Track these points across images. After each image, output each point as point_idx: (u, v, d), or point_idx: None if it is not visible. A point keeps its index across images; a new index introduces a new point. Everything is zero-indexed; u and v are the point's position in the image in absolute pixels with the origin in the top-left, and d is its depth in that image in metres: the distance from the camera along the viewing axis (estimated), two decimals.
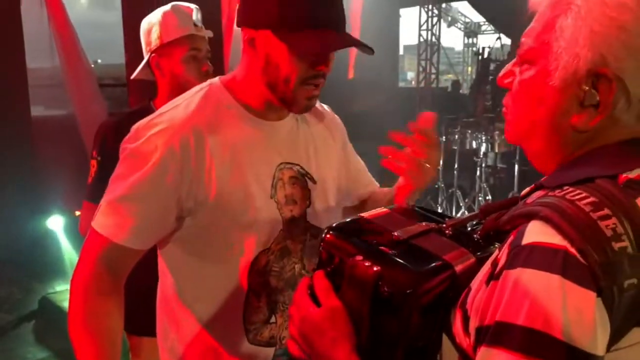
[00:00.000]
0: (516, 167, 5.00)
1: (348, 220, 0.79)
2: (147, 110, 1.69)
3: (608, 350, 0.52)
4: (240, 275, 1.08)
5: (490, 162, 5.70)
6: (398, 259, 0.67)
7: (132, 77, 1.76)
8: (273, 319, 1.13)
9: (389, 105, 8.40)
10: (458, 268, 0.67)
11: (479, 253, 0.70)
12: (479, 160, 5.05)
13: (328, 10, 1.00)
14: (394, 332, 0.66)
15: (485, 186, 5.16)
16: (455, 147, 5.23)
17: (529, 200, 0.64)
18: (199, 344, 1.11)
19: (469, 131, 5.13)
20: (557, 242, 0.53)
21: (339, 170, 1.26)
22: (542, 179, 0.67)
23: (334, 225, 0.77)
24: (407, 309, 0.65)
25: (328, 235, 0.76)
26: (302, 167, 1.15)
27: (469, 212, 5.16)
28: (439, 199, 5.39)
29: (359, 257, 0.69)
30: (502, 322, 0.53)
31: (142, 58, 1.70)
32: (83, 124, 4.21)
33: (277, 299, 1.12)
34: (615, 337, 0.53)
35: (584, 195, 0.56)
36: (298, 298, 0.76)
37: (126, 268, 1.07)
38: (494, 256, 0.61)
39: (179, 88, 1.61)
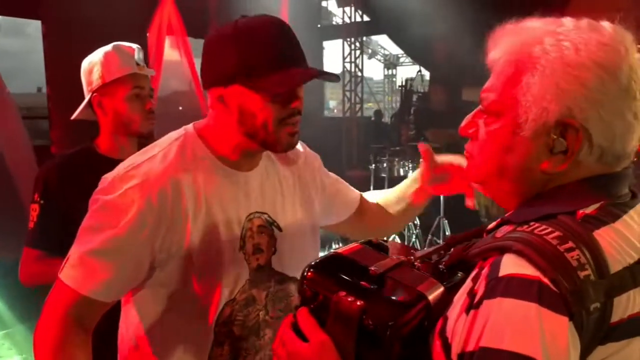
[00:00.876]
0: None
1: (325, 257, 0.82)
2: (90, 151, 1.67)
3: None
4: (206, 327, 1.09)
5: None
6: (379, 293, 0.72)
7: (73, 117, 1.71)
8: None
9: (316, 135, 8.55)
10: (431, 298, 0.72)
11: (445, 283, 0.75)
12: None
13: (287, 49, 1.04)
14: None
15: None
16: (384, 175, 5.43)
17: (498, 234, 0.70)
18: None
19: (397, 159, 5.37)
20: (531, 273, 0.59)
21: (313, 204, 1.28)
22: (507, 214, 0.73)
23: (313, 263, 0.80)
24: (390, 339, 0.68)
25: (309, 273, 0.78)
26: (269, 216, 1.17)
27: (400, 238, 5.35)
28: None
29: (342, 293, 0.72)
30: (487, 347, 0.58)
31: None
32: (8, 159, 3.97)
33: (240, 345, 1.14)
34: (584, 355, 0.59)
35: (549, 230, 0.62)
36: (283, 335, 0.78)
37: (94, 319, 1.05)
38: (469, 287, 0.66)
39: (123, 126, 1.63)
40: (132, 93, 1.62)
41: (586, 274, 0.59)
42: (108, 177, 1.05)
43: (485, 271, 0.63)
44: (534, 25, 0.70)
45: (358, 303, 0.70)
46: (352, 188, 1.44)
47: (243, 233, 1.12)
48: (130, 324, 1.13)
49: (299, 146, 1.28)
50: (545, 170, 0.68)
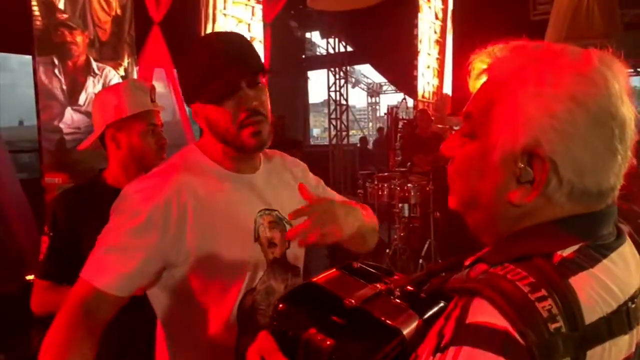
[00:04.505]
0: (431, 216, 5.34)
1: (299, 287, 0.80)
2: (97, 183, 1.71)
3: None
4: (230, 317, 1.15)
5: (405, 213, 6.04)
6: (351, 330, 0.69)
7: (80, 147, 1.76)
8: None
9: (303, 162, 8.63)
10: (406, 332, 0.70)
11: (425, 316, 0.74)
12: (396, 211, 5.35)
13: (221, 59, 1.12)
14: None
15: (402, 234, 5.45)
16: (373, 202, 5.49)
17: (472, 272, 0.67)
18: None
19: (385, 184, 5.43)
20: (499, 323, 0.55)
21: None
22: (483, 252, 0.70)
23: (285, 295, 0.79)
24: None
25: (280, 306, 0.76)
26: (279, 212, 1.23)
27: (391, 261, 5.39)
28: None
29: (313, 330, 0.69)
30: None
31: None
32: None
33: None
34: None
35: (522, 275, 0.59)
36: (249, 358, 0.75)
37: (109, 313, 1.08)
38: (439, 325, 0.64)
39: (136, 161, 1.67)
40: (148, 129, 1.67)
41: (557, 326, 0.56)
42: (124, 188, 1.14)
43: (455, 312, 0.61)
44: (513, 50, 0.68)
45: (328, 342, 0.67)
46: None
47: (256, 226, 1.18)
48: (161, 317, 1.19)
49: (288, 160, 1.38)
50: (512, 201, 0.65)
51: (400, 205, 5.41)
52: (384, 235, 5.70)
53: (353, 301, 0.72)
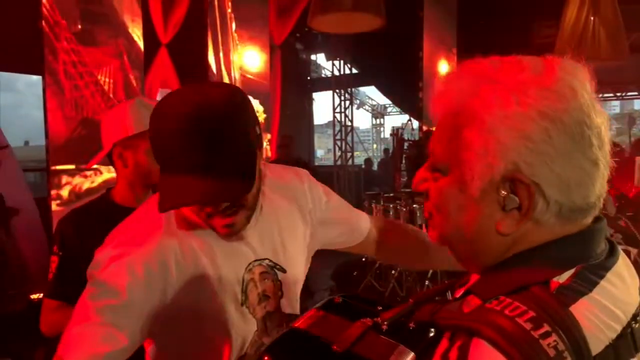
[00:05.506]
0: None
1: (283, 336, 0.76)
2: (106, 201, 1.71)
3: None
4: None
5: None
6: None
7: (88, 165, 1.76)
8: None
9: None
10: None
11: (417, 348, 0.69)
12: None
13: (175, 154, 0.91)
14: None
15: None
16: None
17: (465, 307, 0.62)
18: None
19: (391, 205, 5.42)
20: None
21: (310, 231, 1.23)
22: (472, 282, 0.66)
23: (269, 346, 0.75)
24: None
25: (266, 359, 0.71)
26: (270, 260, 1.13)
27: (397, 282, 5.33)
28: (372, 273, 5.54)
29: None
30: None
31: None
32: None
33: None
34: None
35: (522, 309, 0.55)
36: None
37: None
38: None
39: (142, 178, 1.67)
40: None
41: None
42: (99, 253, 1.05)
43: (452, 355, 0.57)
44: (472, 71, 0.63)
45: None
46: (361, 214, 1.39)
47: (244, 287, 1.08)
48: None
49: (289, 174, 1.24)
50: (500, 230, 0.61)
51: None
52: None
53: (341, 345, 0.68)
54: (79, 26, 4.74)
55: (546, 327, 0.53)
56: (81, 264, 1.54)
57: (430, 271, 5.21)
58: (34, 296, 3.88)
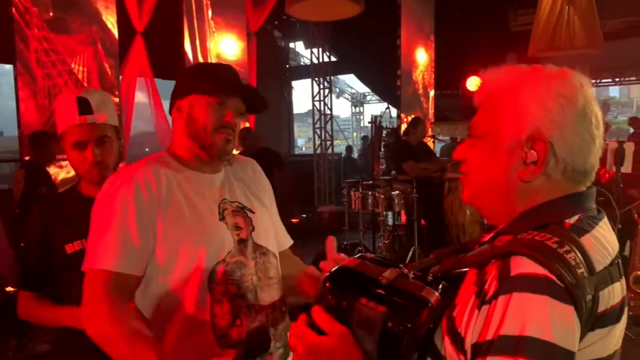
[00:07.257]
0: (415, 224, 5.37)
1: (337, 270, 0.89)
2: (73, 193, 1.66)
3: None
4: (201, 287, 1.22)
5: (390, 221, 6.05)
6: (395, 300, 0.81)
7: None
8: (238, 322, 1.25)
9: (288, 172, 8.65)
10: (433, 303, 0.81)
11: (438, 292, 0.84)
12: (381, 219, 5.36)
13: (223, 76, 1.31)
14: None
15: (387, 242, 5.47)
16: (357, 209, 5.50)
17: (497, 243, 0.81)
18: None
19: (369, 192, 5.43)
20: (540, 272, 0.70)
21: (271, 204, 1.48)
22: (501, 227, 0.85)
23: (328, 276, 0.88)
24: (408, 340, 0.78)
25: (328, 284, 0.87)
26: (240, 203, 1.35)
27: None
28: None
29: (364, 300, 0.81)
30: (506, 335, 0.68)
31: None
32: None
33: (238, 304, 1.26)
34: (580, 340, 0.71)
35: (547, 236, 0.75)
36: (300, 331, 0.86)
37: (132, 291, 1.21)
38: (472, 290, 0.78)
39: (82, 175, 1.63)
40: (75, 143, 1.60)
41: (581, 272, 0.71)
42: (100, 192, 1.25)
43: (494, 273, 0.74)
44: (509, 69, 0.86)
45: (381, 309, 0.79)
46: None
47: (220, 210, 1.30)
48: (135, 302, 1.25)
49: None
50: (522, 177, 0.81)
51: (384, 213, 5.42)
52: (368, 243, 5.72)
53: (386, 279, 0.83)
54: (51, 13, 4.63)
55: (567, 247, 0.73)
56: (47, 254, 1.54)
57: (409, 256, 5.28)
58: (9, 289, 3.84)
